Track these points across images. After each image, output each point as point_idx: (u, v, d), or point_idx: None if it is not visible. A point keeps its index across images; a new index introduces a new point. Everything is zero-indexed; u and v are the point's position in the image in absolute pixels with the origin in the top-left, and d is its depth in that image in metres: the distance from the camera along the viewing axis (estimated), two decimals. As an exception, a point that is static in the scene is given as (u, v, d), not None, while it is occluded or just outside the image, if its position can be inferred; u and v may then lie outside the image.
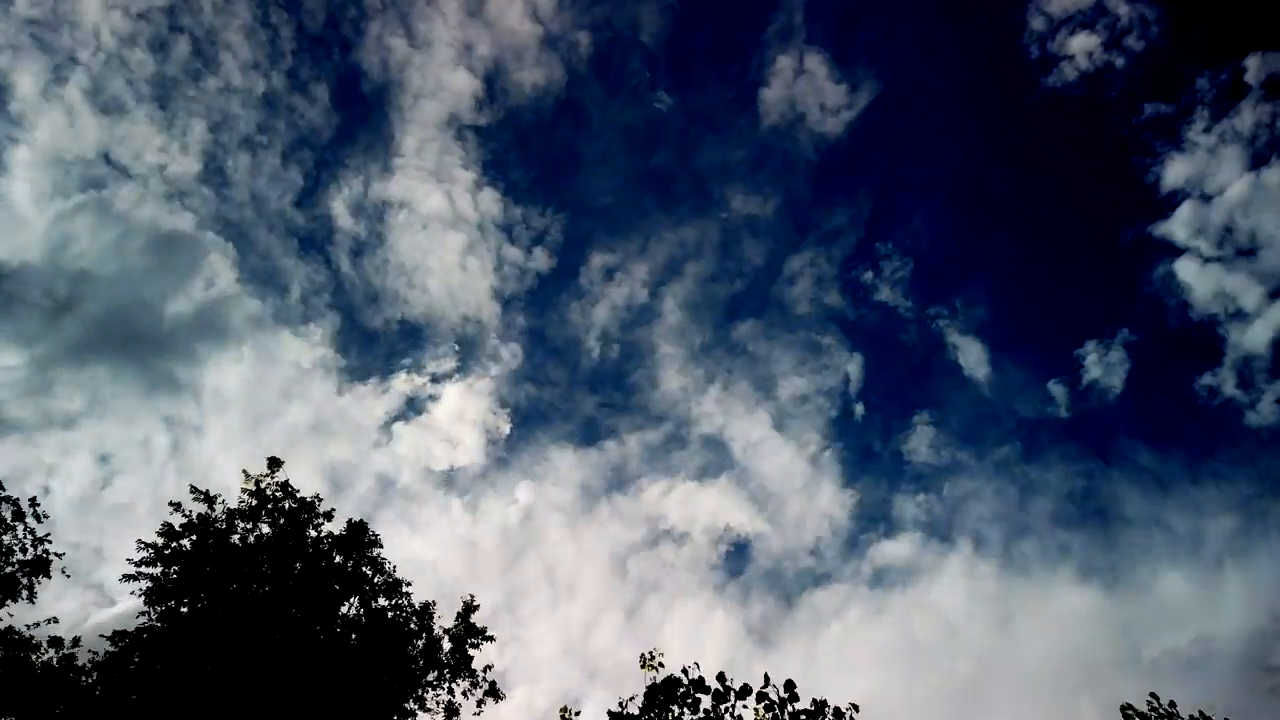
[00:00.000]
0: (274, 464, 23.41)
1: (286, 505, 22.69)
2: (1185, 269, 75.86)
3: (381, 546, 23.77)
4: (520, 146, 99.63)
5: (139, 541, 20.92)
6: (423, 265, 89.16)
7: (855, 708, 18.25)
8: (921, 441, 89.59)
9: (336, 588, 21.98)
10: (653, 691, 18.41)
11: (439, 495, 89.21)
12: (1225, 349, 73.64)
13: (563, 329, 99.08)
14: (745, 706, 17.99)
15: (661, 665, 18.82)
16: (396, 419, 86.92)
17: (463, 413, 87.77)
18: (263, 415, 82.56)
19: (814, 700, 17.79)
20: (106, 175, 77.72)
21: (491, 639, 23.24)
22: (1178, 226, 75.94)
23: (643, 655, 19.11)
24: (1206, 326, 75.39)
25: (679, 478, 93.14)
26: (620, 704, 19.09)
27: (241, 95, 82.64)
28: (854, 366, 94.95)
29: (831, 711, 17.65)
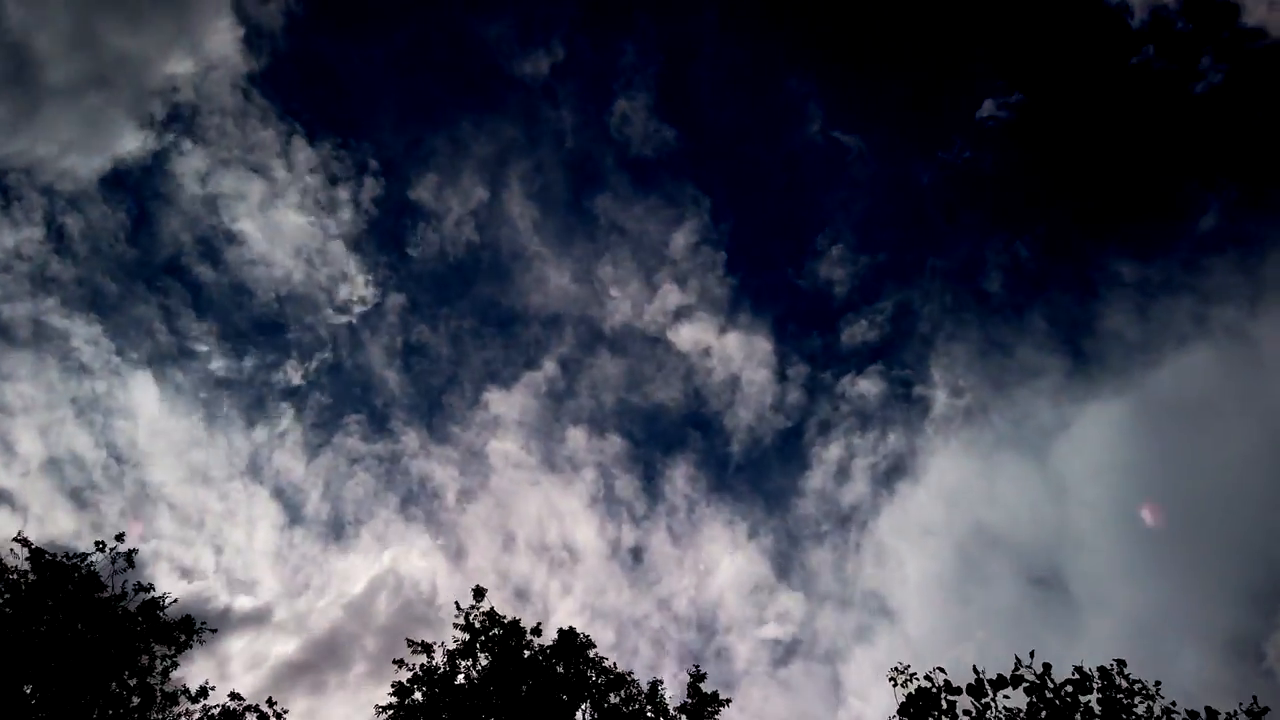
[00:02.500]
0: (479, 594, 24.32)
1: (496, 632, 23.35)
2: None
3: (595, 646, 23.86)
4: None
5: (376, 706, 22.17)
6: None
7: (1121, 663, 15.93)
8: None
9: (565, 698, 22.09)
10: (905, 708, 16.89)
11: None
12: None
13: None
14: (1007, 696, 16.11)
15: (913, 677, 17.33)
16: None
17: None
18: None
19: (1075, 668, 15.64)
20: None
21: (727, 703, 22.38)
22: None
23: (893, 670, 17.69)
24: None
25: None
26: (873, 731, 17.60)
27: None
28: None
29: (1097, 671, 15.42)
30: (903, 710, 16.80)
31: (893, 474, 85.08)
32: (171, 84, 67.63)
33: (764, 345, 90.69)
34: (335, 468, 76.99)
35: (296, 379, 75.45)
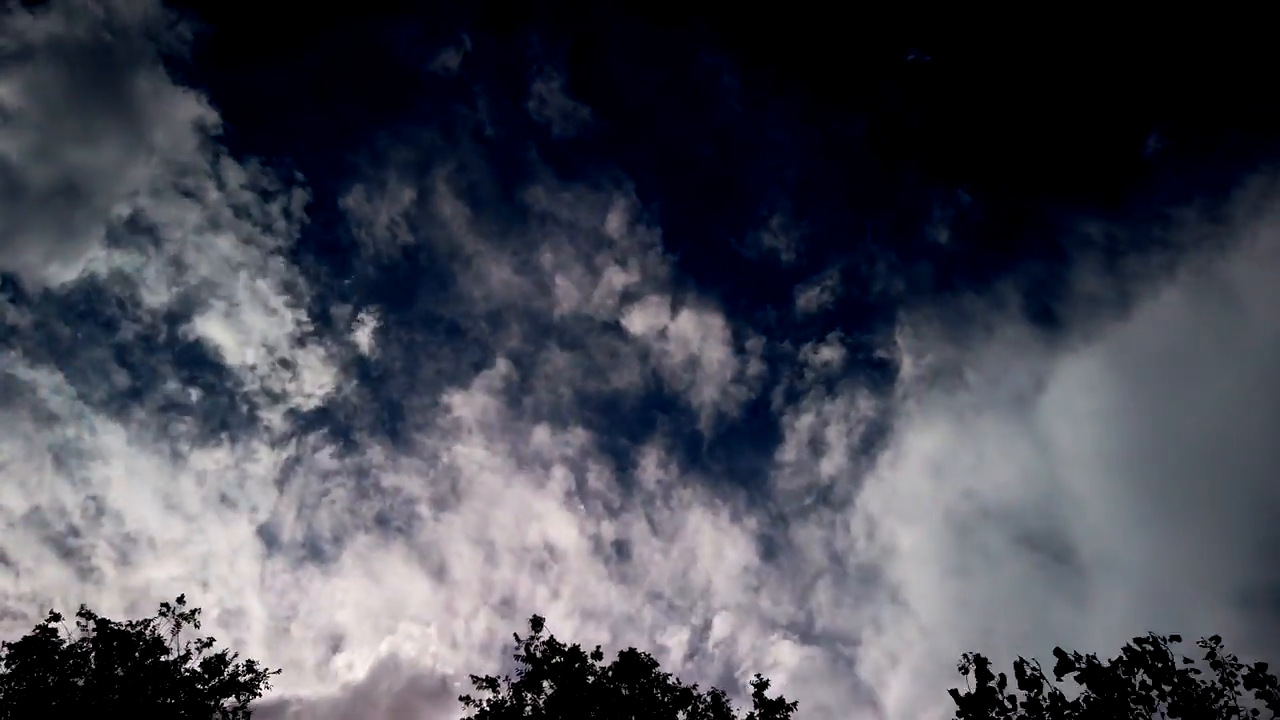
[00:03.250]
0: (536, 624, 25.02)
1: (558, 660, 24.07)
2: None
3: (657, 665, 24.60)
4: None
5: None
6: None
7: (1175, 638, 16.71)
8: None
9: (633, 718, 22.84)
10: (964, 710, 17.58)
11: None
12: None
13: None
14: (1060, 683, 16.88)
15: (984, 662, 17.92)
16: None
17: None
18: None
19: (1123, 648, 16.41)
20: None
21: (794, 707, 23.09)
22: None
23: (963, 658, 18.18)
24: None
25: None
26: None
27: None
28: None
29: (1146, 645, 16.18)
30: (962, 711, 17.38)
31: (870, 443, 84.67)
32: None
33: (716, 321, 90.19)
34: (307, 489, 76.68)
35: (256, 399, 75.05)
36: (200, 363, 74.10)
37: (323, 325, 79.51)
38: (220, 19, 75.74)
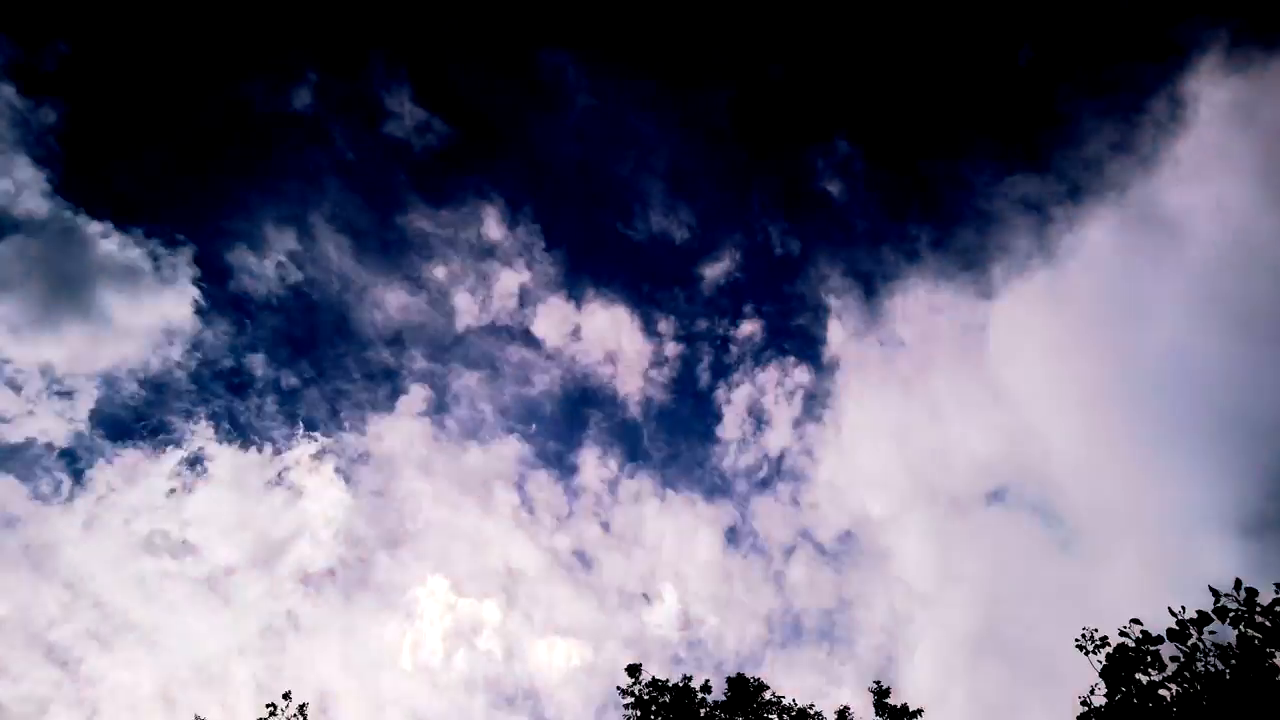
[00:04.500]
0: (633, 671, 24.16)
1: (665, 699, 23.13)
2: None
3: (769, 687, 23.44)
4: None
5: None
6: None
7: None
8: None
9: (750, 745, 21.67)
10: (1108, 672, 16.14)
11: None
12: None
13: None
14: (1212, 631, 15.32)
15: (1105, 641, 16.58)
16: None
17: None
18: None
19: (1276, 584, 14.74)
20: None
21: (919, 713, 21.56)
22: None
23: (1080, 637, 16.94)
24: None
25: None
26: (1083, 701, 16.83)
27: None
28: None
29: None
30: (1106, 674, 16.09)
31: (811, 411, 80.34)
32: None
33: (621, 309, 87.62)
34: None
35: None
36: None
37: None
38: (81, 103, 76.87)
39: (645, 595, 78.13)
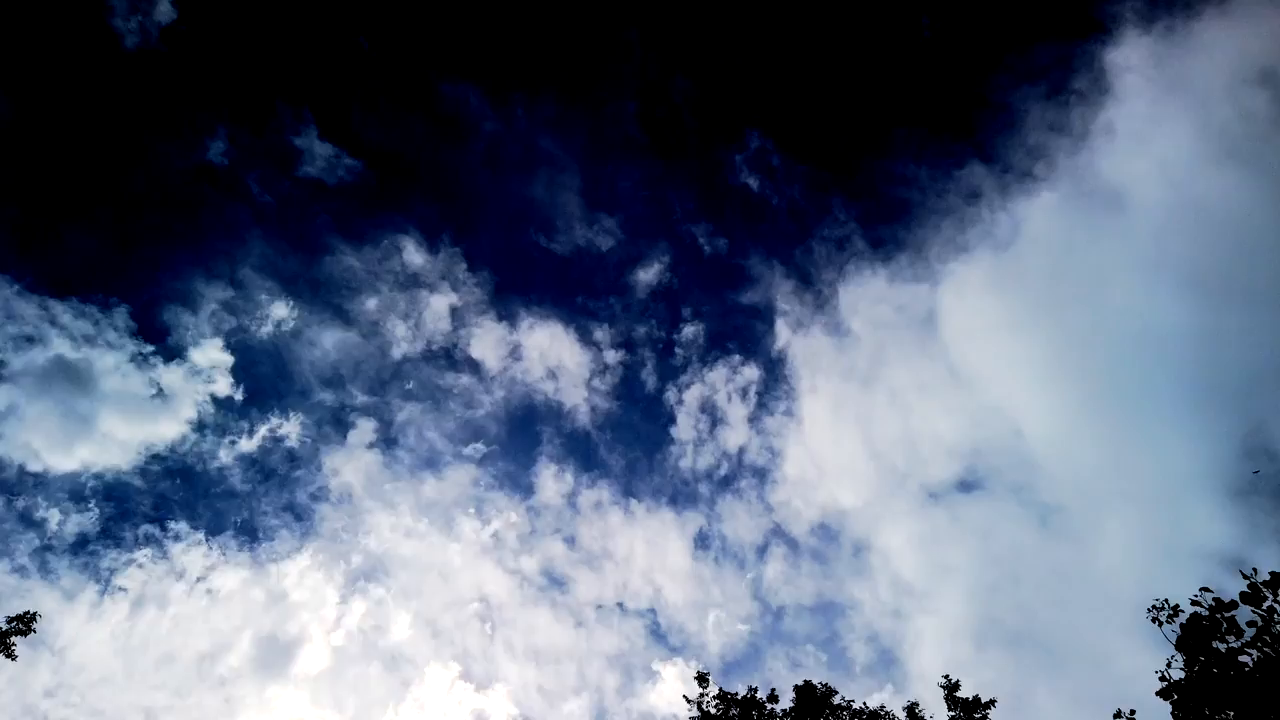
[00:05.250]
0: (702, 680, 24.10)
1: (733, 712, 23.01)
2: None
3: (837, 692, 23.23)
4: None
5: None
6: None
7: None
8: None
9: (827, 754, 21.43)
10: (1184, 642, 15.81)
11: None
12: None
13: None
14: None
15: (1177, 610, 16.22)
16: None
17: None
18: None
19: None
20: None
21: (992, 704, 21.16)
22: None
23: (1152, 608, 16.57)
24: None
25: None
26: (1162, 676, 16.45)
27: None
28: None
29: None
30: (1182, 645, 15.77)
31: (768, 407, 78.59)
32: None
33: (555, 324, 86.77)
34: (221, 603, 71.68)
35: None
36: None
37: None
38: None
39: (621, 606, 77.70)
